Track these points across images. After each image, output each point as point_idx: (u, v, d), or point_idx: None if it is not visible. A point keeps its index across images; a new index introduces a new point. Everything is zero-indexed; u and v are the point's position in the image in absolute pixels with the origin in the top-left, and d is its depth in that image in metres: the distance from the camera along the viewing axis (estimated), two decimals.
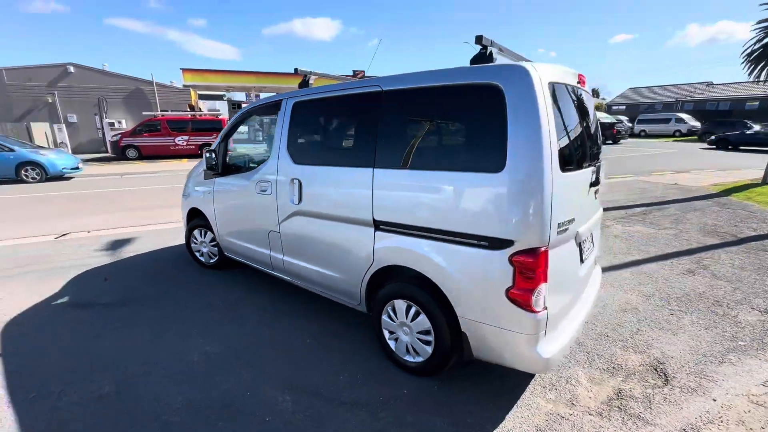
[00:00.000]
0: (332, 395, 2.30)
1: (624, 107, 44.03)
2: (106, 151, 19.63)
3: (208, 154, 3.66)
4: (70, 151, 18.79)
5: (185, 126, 18.27)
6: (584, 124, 2.33)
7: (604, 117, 25.71)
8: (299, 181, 2.87)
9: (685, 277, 3.99)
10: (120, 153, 17.62)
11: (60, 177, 12.27)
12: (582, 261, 2.37)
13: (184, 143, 18.11)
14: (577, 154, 2.13)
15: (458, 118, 2.17)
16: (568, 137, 2.03)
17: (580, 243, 2.32)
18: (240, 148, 5.88)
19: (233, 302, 3.56)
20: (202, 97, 38.73)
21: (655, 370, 2.48)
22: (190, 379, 2.45)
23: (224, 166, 3.74)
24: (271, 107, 3.25)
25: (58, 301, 3.62)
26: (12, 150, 11.43)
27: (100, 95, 20.95)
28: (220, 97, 42.90)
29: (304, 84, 3.21)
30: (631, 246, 5.02)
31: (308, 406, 2.21)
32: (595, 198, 2.49)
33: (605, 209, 7.10)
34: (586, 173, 2.21)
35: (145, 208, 7.86)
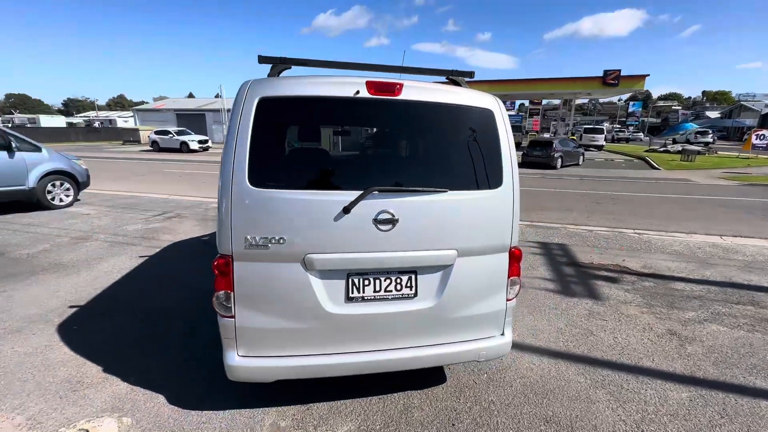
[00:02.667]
0: (194, 349, 3.04)
1: None
2: None
3: None
4: None
5: None
6: (364, 140, 1.94)
7: None
8: None
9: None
10: None
11: None
12: (349, 299, 2.00)
13: None
14: (315, 172, 1.88)
15: None
16: (293, 152, 1.87)
17: (349, 276, 2.00)
18: None
19: None
20: None
21: None
22: (182, 294, 3.79)
23: None
24: None
25: (202, 238, 5.92)
26: None
27: None
28: None
29: None
30: None
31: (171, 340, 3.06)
32: (380, 230, 1.93)
33: None
34: (336, 196, 1.87)
35: None
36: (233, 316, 1.96)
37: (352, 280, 2.01)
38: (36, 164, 7.33)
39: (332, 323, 2.00)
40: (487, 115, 2.11)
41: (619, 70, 24.73)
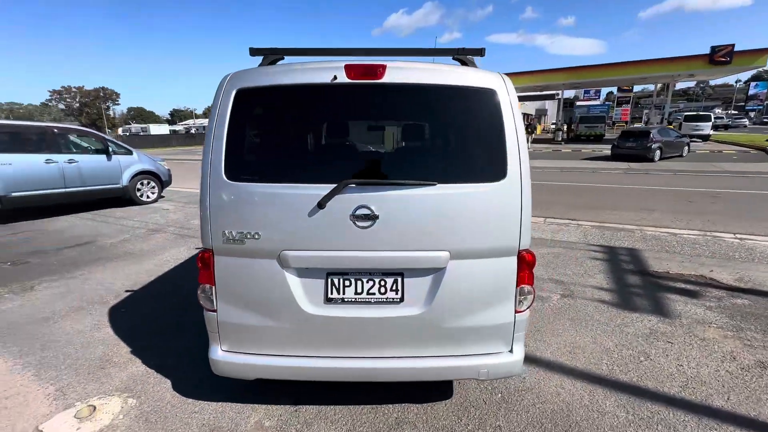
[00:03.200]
0: None
1: None
2: None
3: None
4: None
5: None
6: (348, 129, 1.78)
7: None
8: None
9: None
10: None
11: None
12: (329, 300, 1.87)
13: None
14: (291, 165, 1.77)
15: None
16: (269, 144, 1.79)
17: (329, 276, 1.87)
18: None
19: None
20: (522, 98, 40.82)
21: None
22: None
23: None
24: None
25: None
26: None
27: None
28: (552, 96, 43.78)
29: None
30: None
31: None
32: (358, 227, 1.76)
33: None
34: (311, 189, 1.74)
35: None
36: (215, 310, 1.96)
37: (332, 280, 1.88)
38: (128, 165, 8.44)
39: (311, 325, 1.89)
40: (488, 97, 1.81)
41: (732, 45, 20.87)
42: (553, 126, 36.56)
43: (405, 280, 1.87)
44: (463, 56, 2.07)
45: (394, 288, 1.88)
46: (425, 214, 1.79)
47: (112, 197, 8.31)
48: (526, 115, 45.54)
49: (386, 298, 1.88)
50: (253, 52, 2.08)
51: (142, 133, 52.88)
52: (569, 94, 47.34)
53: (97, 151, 8.06)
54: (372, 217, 1.77)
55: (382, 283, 1.88)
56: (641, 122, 40.66)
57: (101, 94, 66.66)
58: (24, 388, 2.38)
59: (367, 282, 1.88)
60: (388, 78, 1.77)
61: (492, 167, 1.81)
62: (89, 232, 6.45)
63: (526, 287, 1.93)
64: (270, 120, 1.90)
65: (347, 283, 1.88)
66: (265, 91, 1.82)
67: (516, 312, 1.94)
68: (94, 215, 7.71)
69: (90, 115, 63.53)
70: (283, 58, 2.14)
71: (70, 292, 3.94)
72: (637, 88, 51.14)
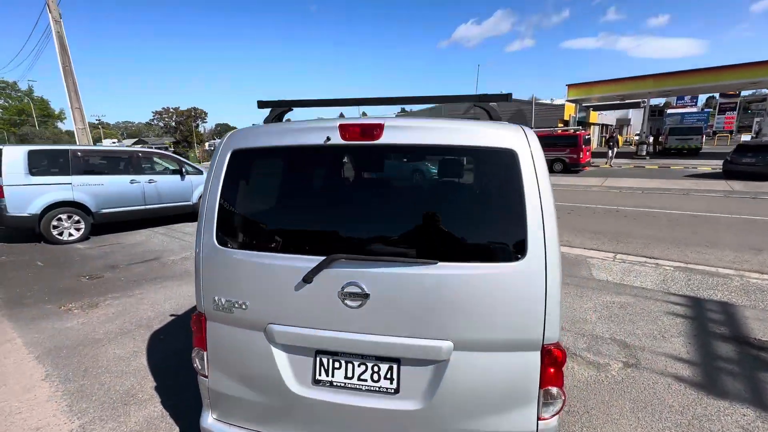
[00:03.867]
0: None
1: None
2: None
3: None
4: None
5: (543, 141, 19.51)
6: (335, 197, 1.59)
7: None
8: None
9: None
10: None
11: None
12: (317, 381, 1.67)
13: None
14: (282, 233, 1.62)
15: None
16: (261, 210, 1.67)
17: (317, 355, 1.69)
18: None
19: None
20: (599, 108, 37.44)
21: None
22: None
23: None
24: None
25: None
26: None
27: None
28: (636, 104, 39.64)
29: None
30: None
31: None
32: (347, 306, 1.55)
33: None
34: (298, 261, 1.58)
35: None
36: (206, 376, 1.88)
37: (321, 360, 1.69)
38: (198, 185, 9.21)
39: (297, 406, 1.72)
40: (505, 158, 1.51)
41: None
42: (636, 138, 32.93)
43: (402, 368, 1.62)
44: (484, 103, 1.80)
45: (388, 376, 1.63)
46: (424, 296, 1.53)
47: (184, 214, 9.12)
48: (605, 126, 41.67)
49: (379, 387, 1.64)
50: (261, 104, 2.01)
51: None
52: (658, 100, 42.51)
53: (174, 172, 8.93)
54: (362, 296, 1.55)
55: (376, 369, 1.64)
56: (751, 132, 34.90)
57: (192, 113, 75.92)
58: (55, 419, 2.54)
59: (359, 366, 1.66)
60: (385, 139, 1.56)
61: (508, 244, 1.50)
62: (158, 247, 7.08)
63: (554, 389, 1.55)
64: (262, 184, 1.80)
65: (337, 365, 1.68)
66: (258, 153, 1.73)
67: (539, 419, 1.57)
68: (168, 230, 8.50)
69: (183, 132, 72.40)
70: (291, 110, 2.05)
71: (125, 312, 4.27)
72: (746, 92, 44.27)
